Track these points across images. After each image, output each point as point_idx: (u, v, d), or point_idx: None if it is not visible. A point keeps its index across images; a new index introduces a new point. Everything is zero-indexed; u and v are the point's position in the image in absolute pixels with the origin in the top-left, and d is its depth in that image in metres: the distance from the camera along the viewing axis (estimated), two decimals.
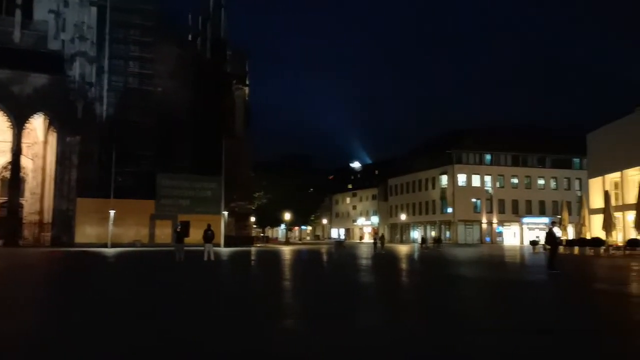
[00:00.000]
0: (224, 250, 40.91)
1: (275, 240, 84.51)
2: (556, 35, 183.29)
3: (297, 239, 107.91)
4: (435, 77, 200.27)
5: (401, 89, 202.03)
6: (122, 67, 52.79)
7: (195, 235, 33.92)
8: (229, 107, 58.37)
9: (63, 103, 49.12)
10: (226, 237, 49.51)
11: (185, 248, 25.79)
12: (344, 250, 45.56)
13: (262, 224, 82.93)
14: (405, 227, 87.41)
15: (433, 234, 76.29)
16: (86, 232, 47.49)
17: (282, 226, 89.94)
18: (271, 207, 74.48)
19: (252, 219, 67.40)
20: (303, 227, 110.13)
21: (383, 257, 33.89)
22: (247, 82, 62.20)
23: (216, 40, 60.53)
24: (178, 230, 27.52)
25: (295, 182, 76.95)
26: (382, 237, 53.79)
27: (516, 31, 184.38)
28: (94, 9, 51.93)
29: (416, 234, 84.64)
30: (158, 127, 50.55)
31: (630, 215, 37.07)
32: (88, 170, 48.94)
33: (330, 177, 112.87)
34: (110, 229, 45.22)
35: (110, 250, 39.40)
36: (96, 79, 51.36)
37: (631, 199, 37.50)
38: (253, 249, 46.98)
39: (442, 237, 76.82)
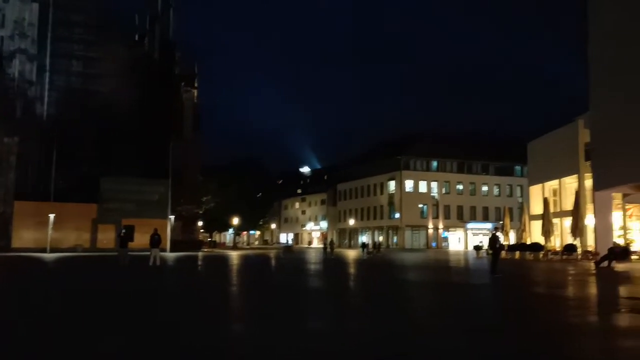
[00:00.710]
0: (170, 255, 40.07)
1: (222, 245, 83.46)
2: (494, 45, 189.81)
3: (245, 243, 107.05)
4: (381, 82, 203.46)
5: (348, 95, 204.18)
6: (64, 66, 51.07)
7: (141, 239, 33.09)
8: (177, 110, 57.35)
9: (0, 102, 47.02)
10: (173, 242, 48.53)
11: (130, 253, 25.13)
12: (293, 255, 45.49)
13: (209, 228, 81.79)
14: (354, 232, 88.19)
15: (381, 239, 77.34)
16: (24, 237, 45.54)
17: (230, 231, 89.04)
18: (219, 211, 73.62)
19: (200, 223, 66.38)
20: (251, 232, 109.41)
21: (333, 261, 34.02)
22: (196, 84, 61.35)
23: (165, 41, 59.44)
24: (122, 234, 26.81)
25: (244, 187, 76.38)
26: (332, 242, 53.98)
27: (459, 40, 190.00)
28: (35, 5, 50.07)
29: (364, 239, 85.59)
30: (102, 129, 49.11)
31: (567, 222, 38.64)
32: (26, 172, 46.98)
33: (279, 181, 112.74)
34: (49, 233, 43.49)
35: (49, 256, 37.89)
36: (37, 78, 49.48)
37: (568, 205, 39.12)
38: (200, 254, 46.23)
39: (390, 243, 77.99)
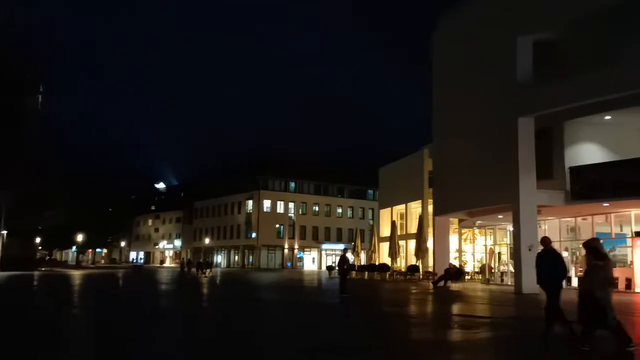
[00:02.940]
0: (1, 275, 35.95)
1: (63, 264, 76.85)
2: (356, 76, 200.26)
3: (90, 262, 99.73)
4: (242, 101, 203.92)
5: (207, 112, 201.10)
6: None
7: None
8: (15, 116, 52.04)
9: None
10: (5, 260, 43.64)
11: None
12: (142, 275, 43.21)
13: (49, 245, 74.99)
14: (209, 251, 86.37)
15: (237, 258, 76.61)
16: None
17: (74, 248, 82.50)
18: (62, 227, 67.82)
19: (38, 239, 60.59)
20: (98, 249, 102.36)
21: (189, 281, 32.84)
22: (41, 90, 56.34)
23: (8, 41, 53.88)
24: None
25: (91, 201, 71.33)
26: (190, 262, 51.79)
27: (322, 67, 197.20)
28: None
29: (219, 258, 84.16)
30: None
31: (412, 244, 41.41)
32: None
33: (133, 196, 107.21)
34: None
35: None
36: None
37: (413, 229, 41.94)
38: (36, 273, 42.08)
39: (246, 262, 77.39)
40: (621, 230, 26.18)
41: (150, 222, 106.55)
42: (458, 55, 31.26)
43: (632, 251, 24.88)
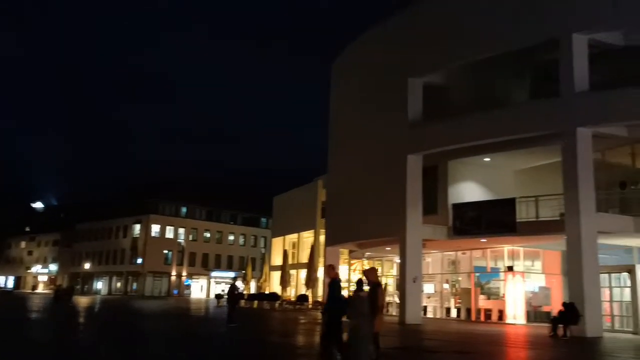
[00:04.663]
0: None
1: None
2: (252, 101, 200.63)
3: None
4: (136, 122, 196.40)
5: (95, 131, 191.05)
6: None
7: None
8: None
9: None
10: None
11: None
12: (9, 301, 39.45)
13: None
14: (89, 277, 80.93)
15: (119, 285, 72.47)
16: None
17: None
18: None
19: None
20: None
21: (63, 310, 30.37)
22: None
23: None
24: None
25: None
26: (66, 288, 47.12)
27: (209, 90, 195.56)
28: None
29: (100, 285, 79.17)
30: None
31: (303, 273, 41.57)
32: None
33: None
34: None
35: None
36: None
37: (304, 258, 42.19)
38: None
39: (129, 289, 73.34)
40: (496, 264, 28.09)
41: (23, 244, 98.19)
42: (354, 90, 32.31)
43: (504, 284, 26.73)
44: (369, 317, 8.26)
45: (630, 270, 22.49)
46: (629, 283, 22.49)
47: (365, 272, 9.20)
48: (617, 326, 22.74)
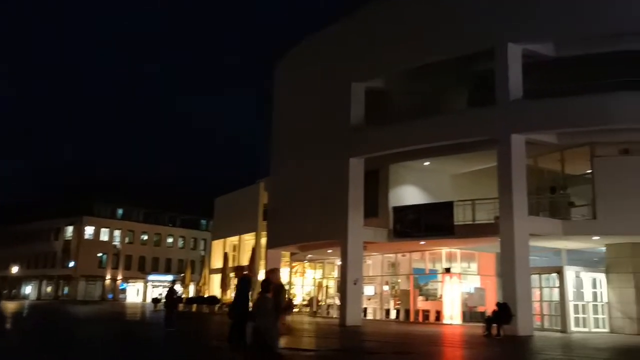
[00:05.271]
0: None
1: None
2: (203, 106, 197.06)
3: None
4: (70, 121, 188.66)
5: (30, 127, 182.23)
6: None
7: None
8: None
9: None
10: None
11: None
12: None
13: None
14: (17, 282, 76.85)
15: (49, 289, 69.25)
16: None
17: None
18: None
19: None
20: None
21: None
22: None
23: None
24: None
25: None
26: None
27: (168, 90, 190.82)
28: None
29: (29, 289, 75.41)
30: None
31: None
32: None
33: None
34: None
35: None
36: None
37: (245, 261, 41.68)
38: None
39: (60, 294, 70.28)
40: (434, 266, 28.76)
41: None
42: (298, 93, 32.27)
43: (442, 286, 27.40)
44: (274, 317, 8.34)
45: (559, 272, 23.59)
46: (557, 284, 23.59)
47: (267, 273, 9.20)
48: (546, 325, 23.76)
